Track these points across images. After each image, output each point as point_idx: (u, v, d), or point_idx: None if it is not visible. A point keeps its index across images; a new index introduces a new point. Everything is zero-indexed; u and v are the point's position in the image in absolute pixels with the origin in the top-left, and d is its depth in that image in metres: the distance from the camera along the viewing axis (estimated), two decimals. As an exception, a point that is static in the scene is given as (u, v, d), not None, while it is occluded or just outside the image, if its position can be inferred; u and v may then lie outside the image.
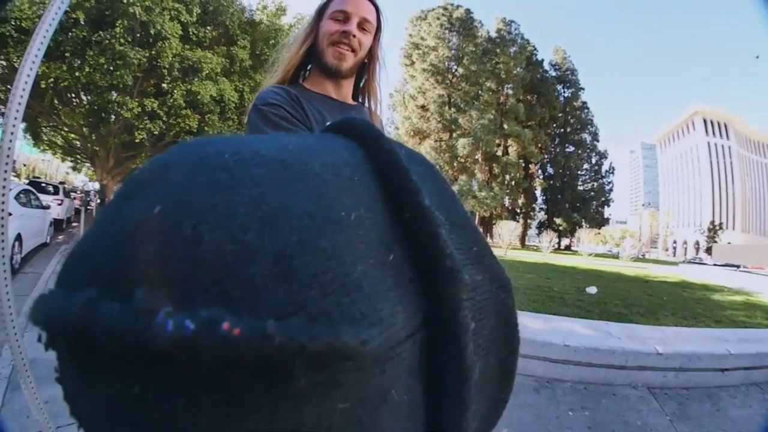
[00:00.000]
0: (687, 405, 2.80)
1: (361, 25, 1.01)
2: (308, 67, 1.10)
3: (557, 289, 7.01)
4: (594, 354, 3.08)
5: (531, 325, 3.59)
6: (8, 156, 1.76)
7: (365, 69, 1.11)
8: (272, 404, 0.14)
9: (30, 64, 1.66)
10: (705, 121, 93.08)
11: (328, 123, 0.25)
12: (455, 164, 39.53)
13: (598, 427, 2.51)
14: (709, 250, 53.43)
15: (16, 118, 1.72)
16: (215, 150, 0.18)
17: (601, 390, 2.95)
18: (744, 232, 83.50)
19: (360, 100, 1.14)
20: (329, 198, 0.18)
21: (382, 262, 0.18)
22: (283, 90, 0.99)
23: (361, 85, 1.14)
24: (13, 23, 9.94)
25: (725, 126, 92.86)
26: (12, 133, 1.72)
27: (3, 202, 1.81)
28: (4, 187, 1.80)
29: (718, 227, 67.79)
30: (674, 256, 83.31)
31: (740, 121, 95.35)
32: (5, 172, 1.75)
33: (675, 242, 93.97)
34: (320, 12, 1.05)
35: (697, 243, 79.31)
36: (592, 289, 6.94)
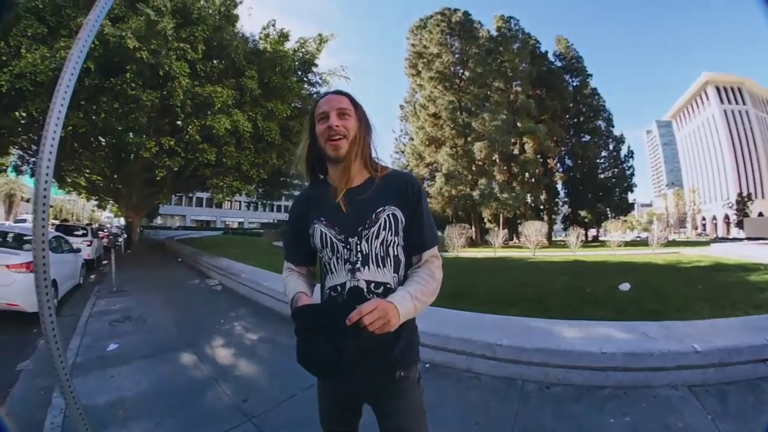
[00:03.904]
0: (729, 401, 2.73)
1: (340, 115, 1.26)
2: None
3: (590, 290, 6.85)
4: (632, 359, 3.05)
5: (568, 334, 3.55)
6: (44, 212, 1.88)
7: (365, 143, 1.33)
8: None
9: (54, 121, 1.74)
10: (718, 89, 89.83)
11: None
12: (474, 168, 39.13)
13: (639, 434, 2.47)
14: (740, 224, 51.54)
15: (47, 182, 1.84)
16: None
17: (641, 394, 2.92)
18: (775, 199, 79.52)
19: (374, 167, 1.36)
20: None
21: None
22: (299, 197, 1.45)
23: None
24: (28, 78, 10.38)
25: (739, 90, 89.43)
26: (45, 187, 1.84)
27: (45, 257, 1.94)
28: (43, 242, 1.92)
29: (747, 198, 65.34)
30: (705, 233, 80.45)
31: (753, 82, 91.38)
32: (43, 237, 1.87)
33: (704, 219, 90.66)
34: (311, 119, 1.33)
35: (727, 217, 76.22)
36: (625, 286, 6.76)
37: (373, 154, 1.36)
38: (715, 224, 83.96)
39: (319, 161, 1.38)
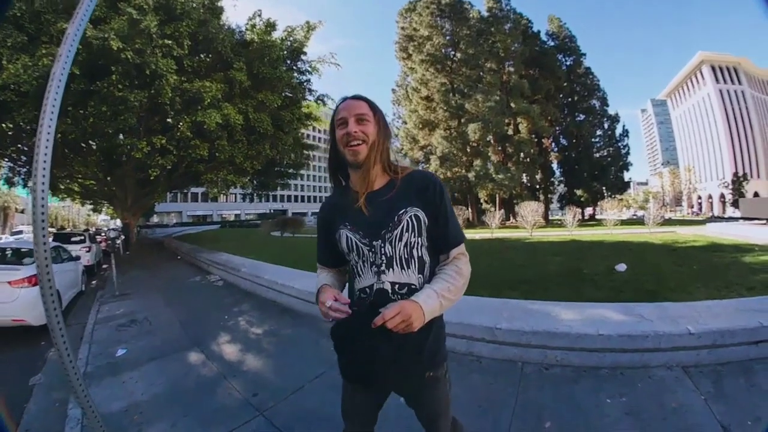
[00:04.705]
0: (721, 382, 2.80)
1: (359, 120, 1.29)
2: None
3: (587, 271, 6.92)
4: (628, 340, 3.13)
5: (566, 316, 3.64)
6: (44, 229, 1.92)
7: (384, 147, 1.35)
8: None
9: (45, 139, 1.78)
10: (713, 69, 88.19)
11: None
12: (468, 150, 38.71)
13: (634, 414, 2.56)
14: (735, 203, 51.70)
15: (43, 198, 1.88)
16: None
17: (637, 374, 3.01)
18: (771, 179, 79.07)
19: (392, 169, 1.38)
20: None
21: None
22: (325, 204, 1.50)
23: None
24: (12, 88, 10.17)
25: (735, 70, 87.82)
26: (42, 203, 1.88)
27: (48, 271, 1.99)
28: (46, 258, 1.97)
29: (742, 178, 65.46)
30: (701, 212, 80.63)
31: (749, 62, 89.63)
32: (45, 251, 1.91)
33: (700, 198, 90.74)
34: (332, 124, 1.36)
35: (723, 196, 76.43)
36: (622, 267, 6.81)
37: (392, 158, 1.39)
38: (711, 203, 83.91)
39: (340, 167, 1.42)
